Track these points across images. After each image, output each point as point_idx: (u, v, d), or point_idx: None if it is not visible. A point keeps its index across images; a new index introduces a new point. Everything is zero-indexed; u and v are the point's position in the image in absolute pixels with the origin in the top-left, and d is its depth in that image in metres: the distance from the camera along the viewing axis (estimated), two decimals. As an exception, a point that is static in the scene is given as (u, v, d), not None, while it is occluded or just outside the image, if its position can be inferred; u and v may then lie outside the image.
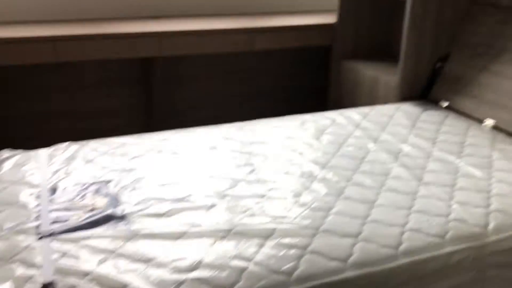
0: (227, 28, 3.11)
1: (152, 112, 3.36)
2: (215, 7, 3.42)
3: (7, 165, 1.97)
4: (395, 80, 2.91)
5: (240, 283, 1.36)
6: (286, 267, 1.42)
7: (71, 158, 2.02)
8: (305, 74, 3.71)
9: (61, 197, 1.74)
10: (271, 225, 1.60)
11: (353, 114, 2.59)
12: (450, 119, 2.55)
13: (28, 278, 1.34)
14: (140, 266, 1.40)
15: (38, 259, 1.41)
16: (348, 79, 3.30)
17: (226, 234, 1.56)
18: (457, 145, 2.24)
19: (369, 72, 3.13)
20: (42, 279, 1.33)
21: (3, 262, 1.40)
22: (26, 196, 1.74)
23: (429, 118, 2.56)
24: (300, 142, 2.23)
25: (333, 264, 1.45)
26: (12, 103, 3.06)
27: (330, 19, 3.41)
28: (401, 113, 2.62)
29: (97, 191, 1.79)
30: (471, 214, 1.70)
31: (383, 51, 3.42)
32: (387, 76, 3.01)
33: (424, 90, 2.92)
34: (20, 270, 1.37)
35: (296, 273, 1.41)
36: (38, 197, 1.73)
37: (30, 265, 1.39)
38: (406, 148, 2.21)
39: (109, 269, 1.38)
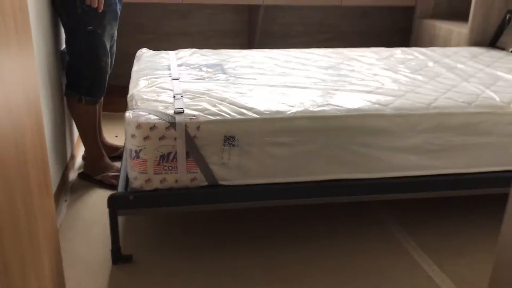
0: (322, -16, 3.69)
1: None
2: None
3: (146, 54, 2.69)
4: (467, 30, 3.29)
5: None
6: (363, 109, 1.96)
7: (192, 53, 2.70)
8: (389, 31, 4.16)
9: (186, 68, 2.40)
10: (349, 87, 2.14)
11: (422, 49, 3.03)
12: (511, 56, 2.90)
13: (165, 92, 2.00)
14: (237, 95, 2.01)
15: (170, 86, 2.07)
16: (426, 34, 3.71)
17: (311, 85, 2.13)
18: (510, 68, 2.60)
19: (445, 25, 3.53)
20: (173, 92, 1.98)
21: (147, 87, 2.08)
22: (161, 66, 2.42)
23: (490, 54, 2.94)
24: (373, 59, 2.73)
25: (376, 106, 1.96)
26: (154, 27, 3.87)
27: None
28: (466, 51, 3.01)
29: (209, 67, 2.43)
30: (499, 95, 2.11)
31: (461, 13, 3.78)
32: (460, 28, 3.40)
33: (493, 39, 3.27)
34: (160, 91, 2.03)
35: (347, 107, 1.93)
36: (169, 66, 2.41)
37: (166, 88, 2.05)
38: (460, 66, 2.62)
39: (217, 90, 2.01)
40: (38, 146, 1.30)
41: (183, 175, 1.83)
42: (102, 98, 2.51)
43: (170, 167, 1.82)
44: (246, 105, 1.91)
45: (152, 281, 1.84)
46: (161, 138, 1.78)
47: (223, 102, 1.92)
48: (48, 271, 1.35)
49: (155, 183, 1.83)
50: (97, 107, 2.49)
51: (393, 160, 1.97)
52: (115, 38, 2.51)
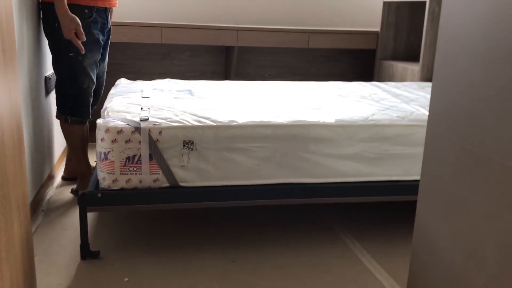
0: (289, 28, 4.06)
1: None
2: (280, 19, 4.39)
3: (124, 82, 2.98)
4: (419, 67, 3.63)
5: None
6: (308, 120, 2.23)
7: (166, 82, 2.99)
8: (354, 72, 4.52)
9: (158, 91, 2.68)
10: (300, 105, 2.42)
11: (377, 83, 3.35)
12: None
13: (135, 106, 2.26)
14: (198, 109, 2.27)
15: (140, 102, 2.34)
16: (386, 73, 4.06)
17: (266, 104, 2.40)
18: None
19: (401, 65, 3.88)
20: (141, 106, 2.25)
21: (119, 103, 2.34)
22: (136, 89, 2.70)
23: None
24: (330, 89, 3.03)
25: (320, 117, 2.23)
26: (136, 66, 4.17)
27: (375, 29, 4.24)
28: (416, 84, 3.33)
29: (179, 91, 2.71)
30: (431, 112, 2.39)
31: (416, 55, 4.15)
32: (414, 66, 3.74)
33: (442, 76, 3.60)
34: (130, 105, 2.30)
35: (294, 118, 2.20)
36: (143, 90, 2.69)
37: (136, 104, 2.32)
38: (406, 93, 2.93)
39: (181, 104, 2.28)
40: (17, 158, 1.51)
41: (147, 176, 2.06)
42: (87, 121, 2.75)
43: (135, 168, 2.05)
44: (205, 115, 2.17)
45: (114, 274, 2.02)
46: (127, 141, 2.02)
47: (184, 113, 2.18)
48: (20, 264, 1.52)
49: (121, 183, 2.05)
50: (85, 129, 2.73)
51: (336, 166, 2.21)
52: (105, 65, 2.79)
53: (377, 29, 4.23)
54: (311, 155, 2.18)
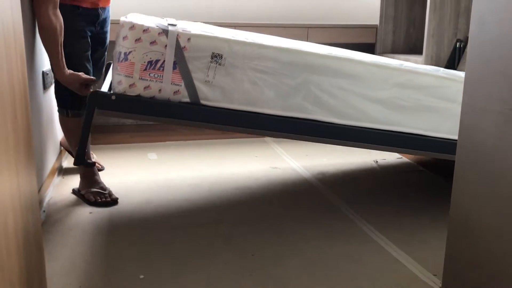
0: (287, 23, 3.97)
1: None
2: (278, 15, 4.27)
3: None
4: (422, 58, 3.61)
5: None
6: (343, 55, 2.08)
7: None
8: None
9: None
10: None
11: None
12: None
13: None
14: (230, 31, 2.10)
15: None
16: (384, 65, 4.02)
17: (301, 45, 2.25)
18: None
19: (402, 57, 3.85)
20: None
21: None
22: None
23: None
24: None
25: (356, 54, 2.10)
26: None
27: (374, 23, 4.23)
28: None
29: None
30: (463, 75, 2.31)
31: (417, 48, 4.15)
32: (416, 58, 3.72)
33: (447, 65, 3.58)
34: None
35: (329, 50, 2.07)
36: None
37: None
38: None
39: (210, 27, 2.09)
40: (28, 147, 1.24)
41: (168, 85, 1.85)
42: None
43: (156, 75, 1.84)
44: (237, 34, 2.00)
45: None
46: (152, 43, 1.82)
47: (216, 30, 2.00)
48: (33, 254, 1.26)
49: (139, 89, 1.84)
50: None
51: (365, 109, 2.08)
52: (102, 55, 2.50)
53: (376, 22, 4.21)
54: (342, 93, 2.04)
